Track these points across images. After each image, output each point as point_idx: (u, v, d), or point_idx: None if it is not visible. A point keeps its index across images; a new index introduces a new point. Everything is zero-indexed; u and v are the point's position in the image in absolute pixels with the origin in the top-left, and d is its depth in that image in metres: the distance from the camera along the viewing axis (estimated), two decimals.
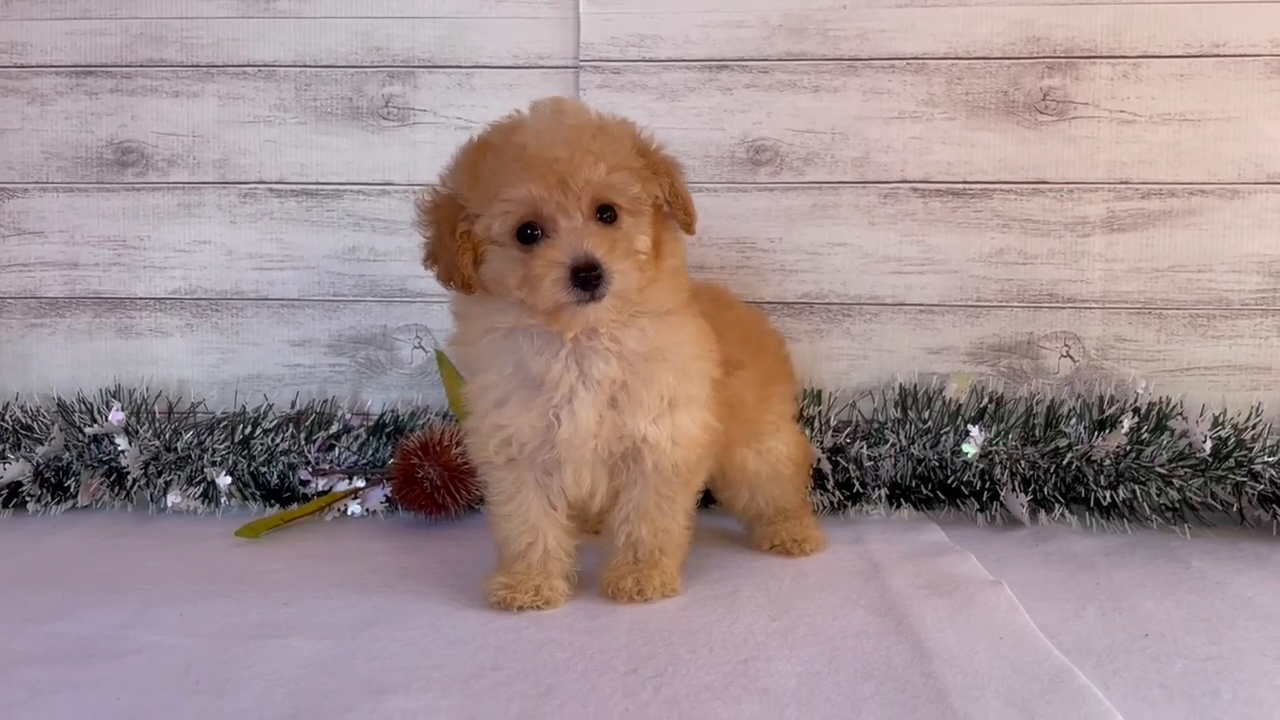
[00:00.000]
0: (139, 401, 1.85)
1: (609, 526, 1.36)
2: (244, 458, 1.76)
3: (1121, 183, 1.82)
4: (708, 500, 1.62)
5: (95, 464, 1.78)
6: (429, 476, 1.67)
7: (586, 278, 1.14)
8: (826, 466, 1.73)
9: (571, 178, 1.15)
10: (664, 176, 1.24)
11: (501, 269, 1.20)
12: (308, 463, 1.77)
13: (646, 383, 1.24)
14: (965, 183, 1.84)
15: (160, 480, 1.76)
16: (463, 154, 1.24)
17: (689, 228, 1.27)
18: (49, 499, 1.76)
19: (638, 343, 1.24)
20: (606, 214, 1.19)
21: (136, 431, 1.78)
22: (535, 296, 1.17)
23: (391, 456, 1.76)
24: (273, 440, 1.77)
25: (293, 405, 1.88)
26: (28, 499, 1.76)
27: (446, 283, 1.25)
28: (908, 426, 1.75)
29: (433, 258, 1.26)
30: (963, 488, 1.72)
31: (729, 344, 1.39)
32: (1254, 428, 1.69)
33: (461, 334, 1.31)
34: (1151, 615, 1.28)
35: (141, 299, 1.94)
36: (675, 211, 1.26)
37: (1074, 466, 1.68)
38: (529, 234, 1.18)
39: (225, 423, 1.81)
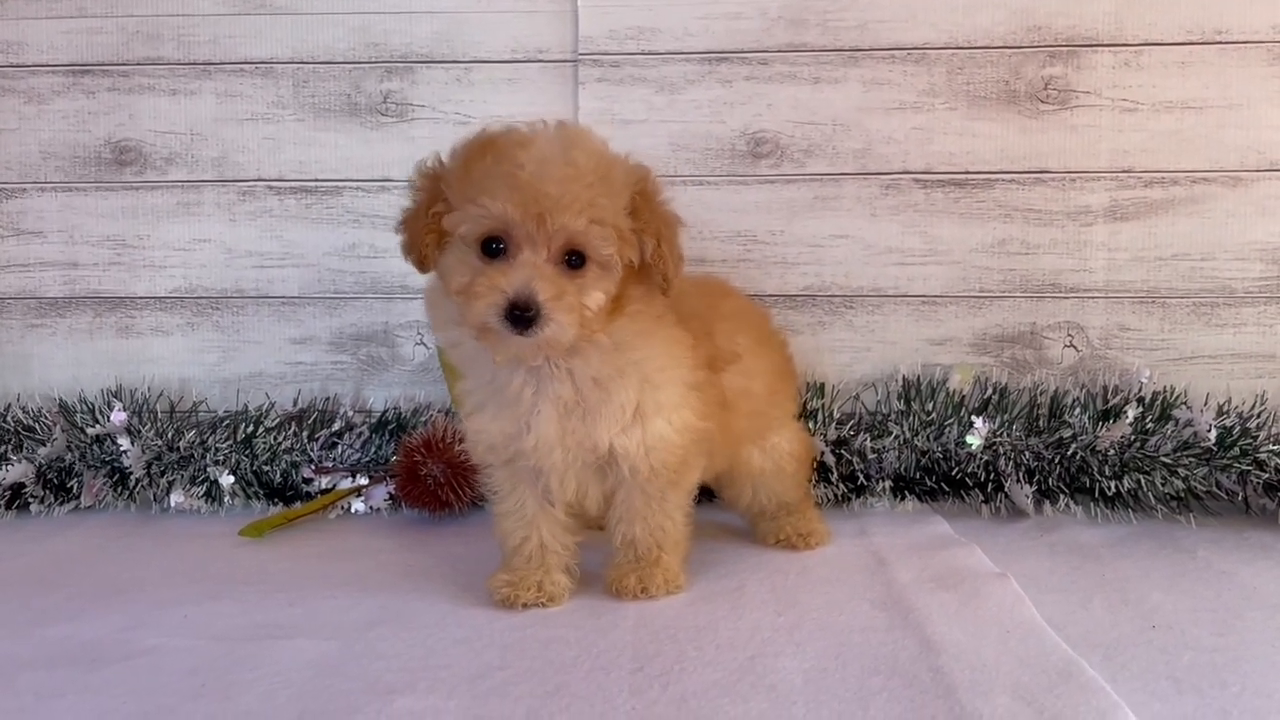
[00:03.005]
0: (140, 401, 1.85)
1: (608, 527, 1.36)
2: (246, 456, 1.76)
3: (1124, 171, 1.82)
4: (710, 495, 1.62)
5: (98, 464, 1.78)
6: (432, 473, 1.67)
7: (520, 316, 1.13)
8: (830, 459, 1.73)
9: (551, 216, 1.13)
10: (651, 237, 1.20)
11: (453, 268, 1.20)
12: (310, 461, 1.76)
13: (604, 399, 1.24)
14: (967, 173, 1.84)
15: (163, 480, 1.76)
16: (468, 143, 1.22)
17: (664, 290, 1.24)
18: (52, 500, 1.76)
19: (587, 367, 1.23)
20: (575, 258, 1.17)
21: (138, 431, 1.78)
22: (468, 309, 1.16)
23: (394, 454, 1.76)
24: (275, 439, 1.76)
25: (294, 403, 1.88)
26: (30, 500, 1.75)
27: (406, 254, 1.24)
28: (911, 418, 1.75)
29: (404, 225, 1.25)
30: (967, 479, 1.72)
31: (723, 334, 1.38)
32: (1259, 416, 1.69)
33: (432, 324, 1.33)
34: (1158, 606, 1.28)
35: (142, 298, 1.93)
36: (654, 272, 1.22)
37: (1078, 457, 1.68)
38: (493, 248, 1.17)
39: (227, 421, 1.80)
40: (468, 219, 1.17)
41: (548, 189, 1.13)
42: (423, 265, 1.23)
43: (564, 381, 1.24)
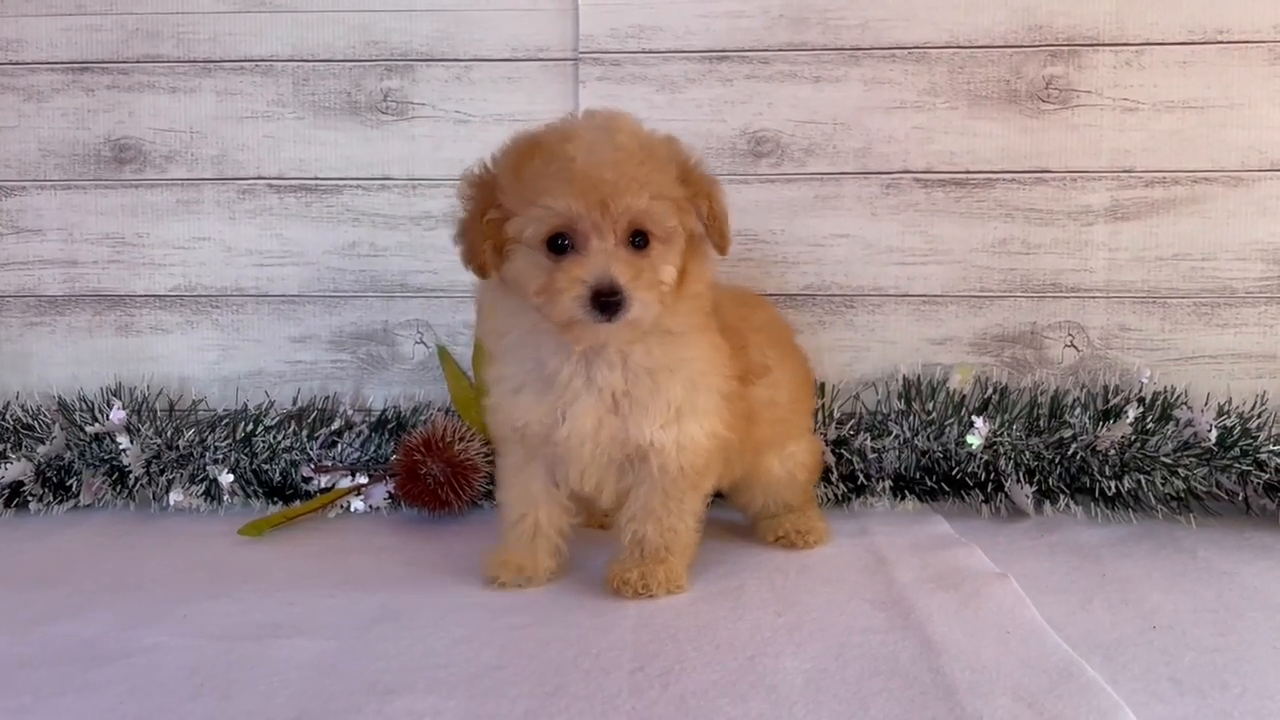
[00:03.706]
0: (140, 399, 1.84)
1: (617, 525, 1.36)
2: (246, 455, 1.75)
3: (1125, 171, 1.81)
4: (717, 495, 1.62)
5: (97, 463, 1.77)
6: (432, 472, 1.67)
7: (607, 302, 1.15)
8: (830, 459, 1.73)
9: (614, 201, 1.15)
10: (704, 199, 1.24)
11: (525, 272, 1.21)
12: (310, 460, 1.76)
13: (653, 393, 1.26)
14: (968, 172, 1.83)
15: (162, 479, 1.75)
16: (512, 147, 1.23)
17: (722, 249, 1.27)
18: (51, 498, 1.76)
19: (643, 358, 1.26)
20: (639, 239, 1.20)
21: (138, 430, 1.77)
22: (552, 307, 1.18)
23: (394, 453, 1.75)
24: (275, 437, 1.76)
25: (294, 402, 1.88)
26: (30, 499, 1.75)
27: (467, 264, 1.26)
28: (911, 418, 1.74)
29: (461, 235, 1.27)
30: (967, 479, 1.72)
31: (756, 347, 1.41)
32: (1259, 416, 1.69)
33: (482, 324, 1.35)
34: (1159, 607, 1.28)
35: (141, 296, 1.93)
36: (711, 233, 1.26)
37: (1079, 457, 1.68)
38: (559, 244, 1.19)
39: (227, 420, 1.80)
40: (531, 221, 1.18)
41: (604, 175, 1.15)
42: (483, 272, 1.25)
43: (613, 369, 1.25)
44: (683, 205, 1.22)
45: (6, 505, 1.75)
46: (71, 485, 1.76)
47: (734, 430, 1.35)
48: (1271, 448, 1.63)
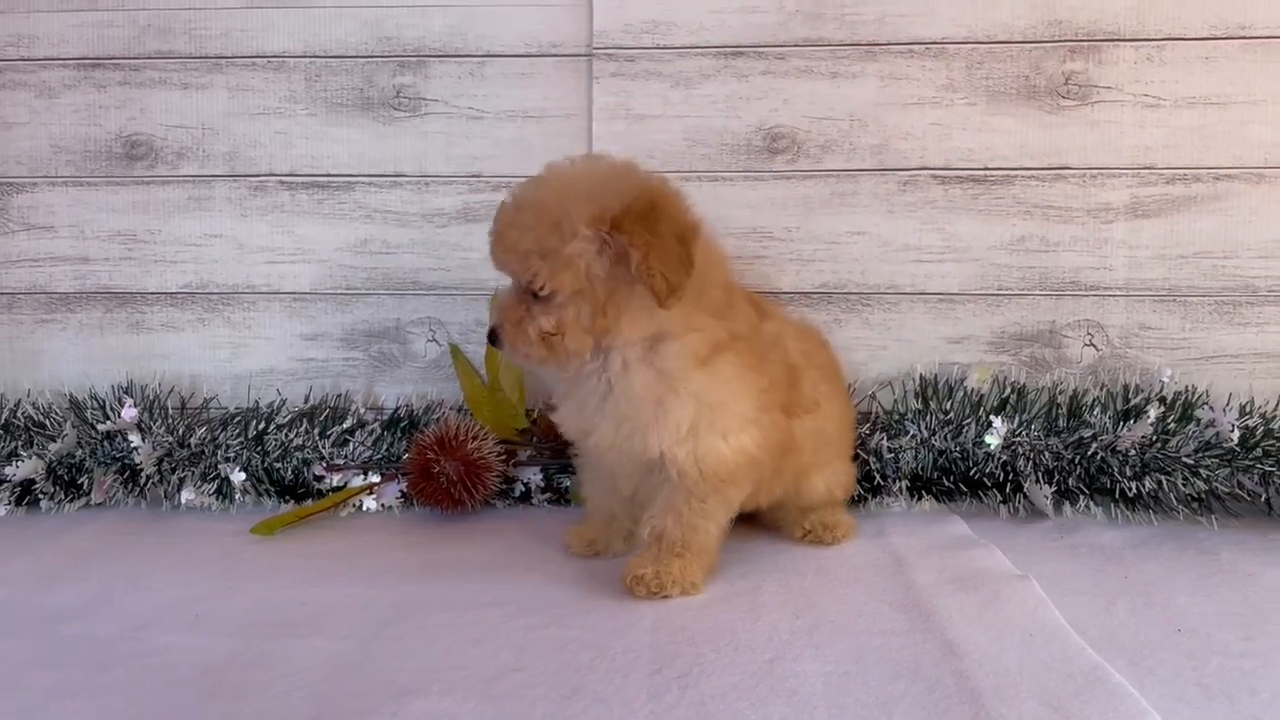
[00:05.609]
0: (151, 397, 1.83)
1: (641, 522, 1.39)
2: (258, 453, 1.74)
3: (1145, 168, 1.79)
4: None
5: (108, 461, 1.76)
6: (445, 471, 1.65)
7: (494, 337, 1.32)
8: None
9: (496, 258, 1.30)
10: (638, 249, 1.19)
11: None
12: (322, 458, 1.75)
13: (660, 414, 1.29)
14: (986, 169, 1.81)
15: (174, 477, 1.74)
16: None
17: (659, 300, 1.21)
18: (62, 496, 1.75)
19: (628, 387, 1.30)
20: (541, 288, 1.26)
21: (149, 428, 1.76)
22: None
23: (406, 451, 1.74)
24: (286, 436, 1.75)
25: (306, 400, 1.86)
26: (41, 497, 1.74)
27: None
28: (928, 417, 1.73)
29: None
30: (985, 479, 1.70)
31: (810, 382, 1.46)
32: None
33: None
34: (1183, 610, 1.26)
35: (152, 294, 1.92)
36: (644, 283, 1.21)
37: (1099, 457, 1.66)
38: None
39: (238, 418, 1.79)
40: None
41: (498, 228, 1.28)
42: None
43: (609, 393, 1.32)
44: (563, 260, 1.21)
45: (18, 503, 1.74)
46: (83, 483, 1.76)
47: (767, 453, 1.35)
48: None
